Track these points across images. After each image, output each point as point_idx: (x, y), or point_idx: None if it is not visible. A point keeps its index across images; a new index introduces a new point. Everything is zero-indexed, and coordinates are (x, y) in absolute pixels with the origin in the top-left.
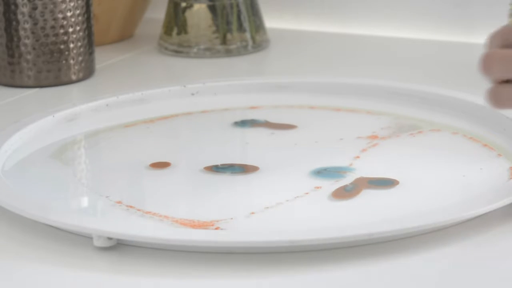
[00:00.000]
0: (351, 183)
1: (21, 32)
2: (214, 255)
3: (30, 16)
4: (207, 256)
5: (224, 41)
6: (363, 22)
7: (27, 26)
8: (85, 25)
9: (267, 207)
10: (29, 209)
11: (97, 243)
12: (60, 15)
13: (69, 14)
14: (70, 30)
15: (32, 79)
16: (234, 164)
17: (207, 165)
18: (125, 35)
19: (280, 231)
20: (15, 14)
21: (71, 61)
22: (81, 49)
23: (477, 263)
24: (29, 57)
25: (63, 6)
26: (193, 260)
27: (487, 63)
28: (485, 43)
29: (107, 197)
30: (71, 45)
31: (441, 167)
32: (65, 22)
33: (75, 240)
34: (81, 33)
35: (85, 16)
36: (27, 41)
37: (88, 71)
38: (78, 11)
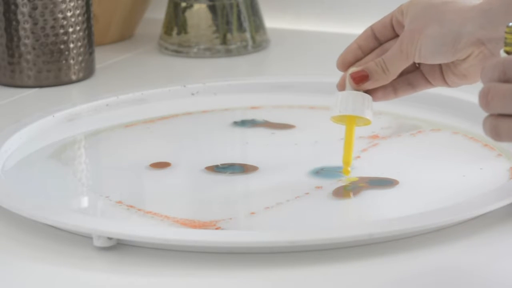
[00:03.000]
0: (352, 183)
1: (21, 32)
2: (214, 255)
3: (30, 16)
4: (207, 256)
5: (224, 41)
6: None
7: (27, 26)
8: (85, 25)
9: (267, 207)
10: (29, 209)
11: (97, 243)
12: (60, 15)
13: (69, 14)
14: (70, 30)
15: (32, 79)
16: (234, 164)
17: (208, 165)
18: (125, 35)
19: (280, 231)
20: (15, 14)
21: (71, 61)
22: (81, 49)
23: (477, 263)
24: (29, 57)
25: (63, 6)
26: (193, 260)
27: (488, 99)
28: (482, 75)
29: (107, 197)
30: (71, 45)
31: (442, 167)
32: (65, 22)
33: (75, 240)
34: (81, 33)
35: (85, 16)
36: (27, 41)
37: (88, 71)
38: (78, 11)
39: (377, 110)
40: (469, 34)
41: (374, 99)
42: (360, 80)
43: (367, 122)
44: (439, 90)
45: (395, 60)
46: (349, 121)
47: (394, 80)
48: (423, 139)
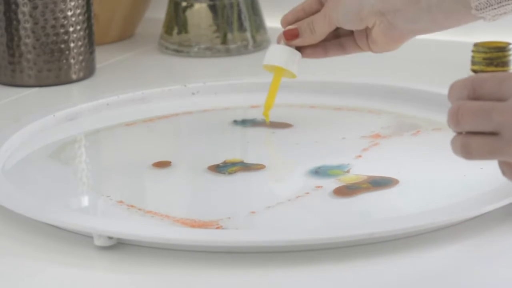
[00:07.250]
0: (352, 182)
1: (22, 32)
2: (214, 255)
3: (30, 16)
4: (207, 255)
5: (224, 41)
6: None
7: (27, 25)
8: (85, 25)
9: (268, 207)
10: (29, 208)
11: (98, 242)
12: (60, 15)
13: (69, 13)
14: (71, 29)
15: (33, 79)
16: (236, 163)
17: (208, 165)
18: (125, 34)
19: (281, 230)
20: (15, 13)
21: (72, 61)
22: (82, 49)
23: (477, 263)
24: (29, 56)
25: (64, 5)
26: (193, 260)
27: (458, 117)
28: (450, 93)
29: (108, 196)
30: (72, 45)
31: (442, 167)
32: (65, 22)
33: (75, 239)
34: (81, 33)
35: (86, 15)
36: (27, 40)
37: (88, 71)
38: (78, 11)
39: (378, 109)
40: (370, 5)
41: (304, 56)
42: (290, 37)
43: (293, 75)
44: (439, 89)
45: (320, 23)
46: (277, 71)
47: (327, 41)
48: (424, 139)
